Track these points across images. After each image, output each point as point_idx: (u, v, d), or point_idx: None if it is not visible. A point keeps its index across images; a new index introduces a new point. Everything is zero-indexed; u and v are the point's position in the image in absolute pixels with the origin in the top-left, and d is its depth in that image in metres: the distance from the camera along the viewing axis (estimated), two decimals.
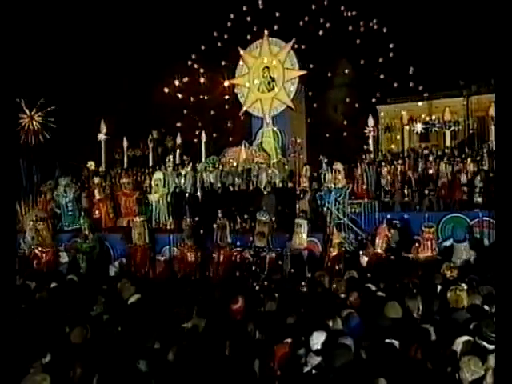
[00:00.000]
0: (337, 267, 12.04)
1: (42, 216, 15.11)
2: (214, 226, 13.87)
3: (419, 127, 20.26)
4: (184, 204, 15.76)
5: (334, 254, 12.52)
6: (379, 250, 12.32)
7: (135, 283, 8.53)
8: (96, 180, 17.49)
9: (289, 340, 5.46)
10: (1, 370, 4.49)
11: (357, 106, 18.61)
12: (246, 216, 15.08)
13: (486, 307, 6.45)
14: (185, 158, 18.60)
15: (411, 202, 14.75)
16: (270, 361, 5.23)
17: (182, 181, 16.77)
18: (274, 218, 14.19)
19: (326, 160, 15.19)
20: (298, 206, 14.69)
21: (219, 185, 16.26)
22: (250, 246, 13.46)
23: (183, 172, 17.11)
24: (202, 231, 14.29)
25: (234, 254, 13.58)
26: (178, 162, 19.06)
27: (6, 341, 4.64)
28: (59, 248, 15.10)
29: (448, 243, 12.75)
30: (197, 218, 14.89)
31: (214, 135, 20.65)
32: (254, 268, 12.71)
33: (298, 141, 17.98)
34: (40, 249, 14.25)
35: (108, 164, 20.52)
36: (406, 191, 14.86)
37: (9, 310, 4.81)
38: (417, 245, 12.26)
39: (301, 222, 13.48)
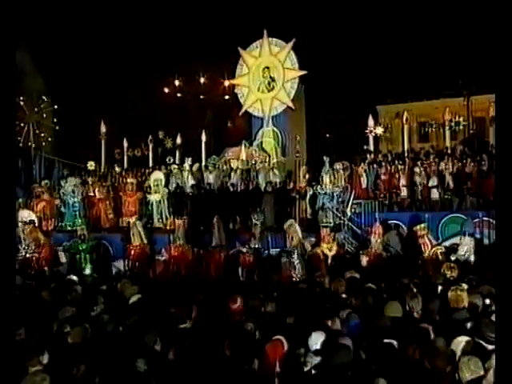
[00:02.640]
0: (337, 267, 11.98)
1: (27, 218, 14.75)
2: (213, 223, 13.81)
3: (419, 127, 20.23)
4: (183, 204, 15.75)
5: (334, 253, 12.48)
6: (377, 250, 12.28)
7: (135, 283, 8.53)
8: (96, 180, 17.42)
9: (279, 337, 5.43)
10: (1, 370, 4.49)
11: (357, 106, 18.61)
12: (243, 216, 15.04)
13: (485, 307, 6.45)
14: (185, 158, 18.57)
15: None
16: (265, 361, 5.22)
17: (182, 181, 16.75)
18: (272, 219, 14.17)
19: (328, 160, 15.17)
20: (298, 206, 14.68)
21: (219, 185, 16.24)
22: (249, 246, 13.33)
23: (183, 172, 17.10)
24: (201, 229, 14.28)
25: (231, 254, 13.50)
26: (178, 161, 19.04)
27: (6, 341, 4.64)
28: (58, 248, 15.01)
29: (453, 241, 12.58)
30: (188, 218, 14.77)
31: (214, 135, 20.66)
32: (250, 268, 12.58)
33: (299, 139, 18.02)
34: (34, 249, 14.04)
35: (108, 164, 20.48)
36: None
37: (9, 310, 4.80)
38: (418, 244, 12.15)
39: (291, 222, 13.25)
